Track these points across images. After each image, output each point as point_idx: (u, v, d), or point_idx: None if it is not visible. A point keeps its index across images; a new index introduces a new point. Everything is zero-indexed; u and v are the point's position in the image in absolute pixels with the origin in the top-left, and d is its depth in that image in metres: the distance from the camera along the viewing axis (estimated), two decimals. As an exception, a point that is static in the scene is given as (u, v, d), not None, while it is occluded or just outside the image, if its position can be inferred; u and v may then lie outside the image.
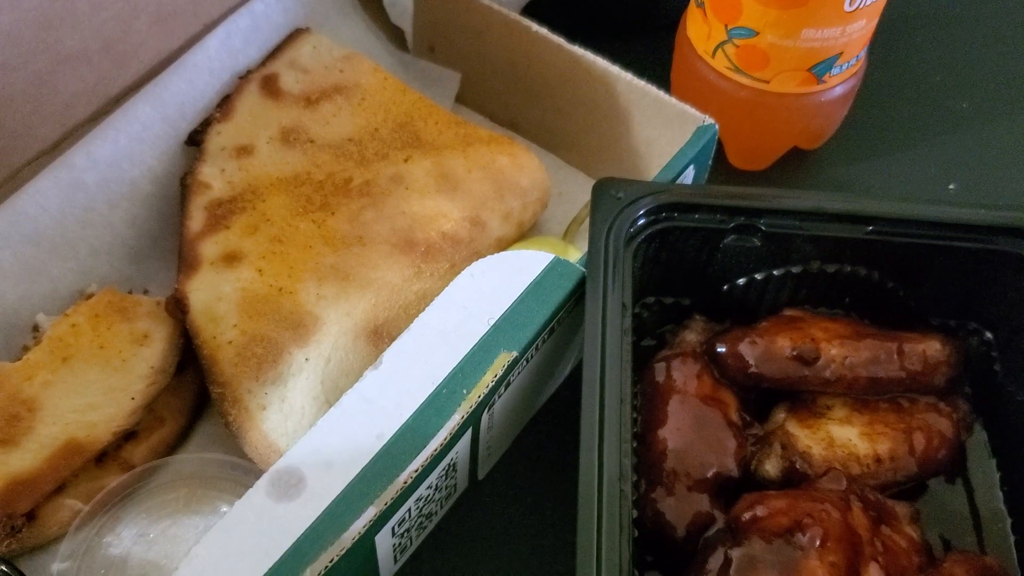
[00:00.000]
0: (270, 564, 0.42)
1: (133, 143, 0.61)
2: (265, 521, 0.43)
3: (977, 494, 0.56)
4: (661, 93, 0.62)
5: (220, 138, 0.62)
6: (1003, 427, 0.57)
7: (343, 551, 0.43)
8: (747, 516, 0.48)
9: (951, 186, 0.73)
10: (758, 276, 0.57)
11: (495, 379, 0.49)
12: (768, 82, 0.65)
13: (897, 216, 0.55)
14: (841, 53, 0.63)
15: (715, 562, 0.48)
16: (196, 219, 0.59)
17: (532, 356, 0.52)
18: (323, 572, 0.43)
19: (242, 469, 0.55)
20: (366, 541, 0.45)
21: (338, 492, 0.44)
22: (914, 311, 0.58)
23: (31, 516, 0.53)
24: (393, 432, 0.46)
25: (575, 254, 0.62)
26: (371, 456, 0.45)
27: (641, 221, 0.54)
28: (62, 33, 0.56)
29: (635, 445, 0.53)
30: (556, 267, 0.52)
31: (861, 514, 0.49)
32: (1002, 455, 0.57)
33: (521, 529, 0.56)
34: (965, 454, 0.57)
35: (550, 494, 0.57)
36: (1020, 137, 0.76)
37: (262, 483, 0.44)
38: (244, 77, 0.65)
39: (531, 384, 0.55)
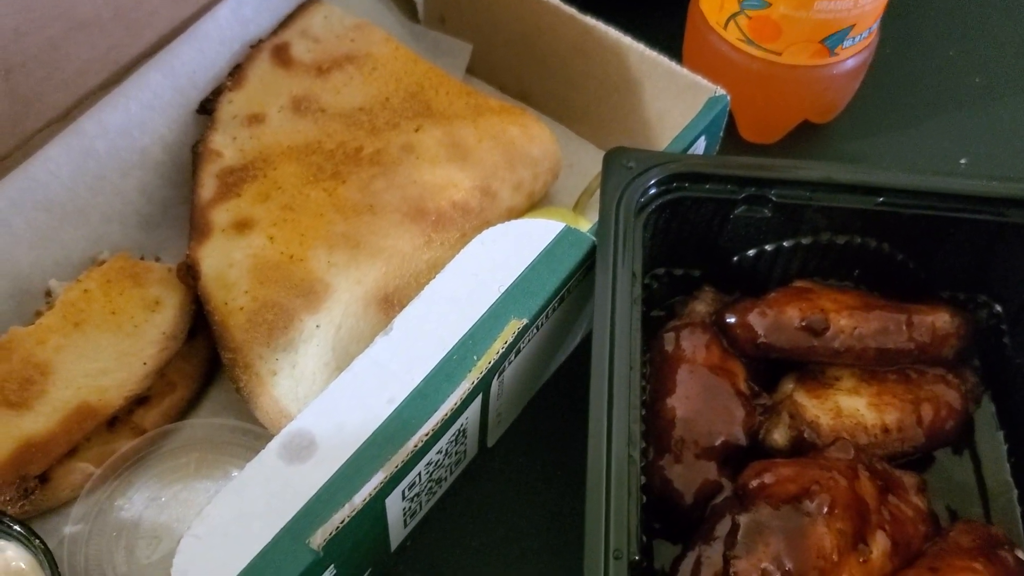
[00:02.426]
0: (281, 524, 0.43)
1: (144, 111, 0.61)
2: (277, 482, 0.44)
3: (984, 466, 0.56)
4: (673, 64, 0.61)
5: (231, 107, 0.62)
6: (1011, 399, 0.57)
7: (353, 513, 0.43)
8: (755, 483, 0.48)
9: (962, 161, 0.72)
10: (768, 247, 0.58)
11: (505, 346, 0.49)
12: (780, 54, 0.64)
13: (908, 187, 0.55)
14: (854, 25, 0.63)
15: (722, 528, 0.48)
16: (207, 187, 0.59)
17: (542, 324, 0.52)
18: (334, 533, 0.43)
19: (253, 434, 0.55)
20: (376, 504, 0.45)
21: (349, 454, 0.44)
22: (924, 284, 0.58)
23: (44, 479, 0.53)
24: (404, 396, 0.46)
25: (585, 225, 0.61)
26: (382, 420, 0.46)
27: (652, 191, 0.54)
28: (75, -1, 0.56)
29: (643, 413, 0.53)
30: (567, 236, 0.52)
31: (868, 483, 0.49)
32: (1010, 427, 0.57)
33: (530, 496, 0.56)
34: (973, 426, 0.57)
35: (559, 462, 0.57)
36: (1032, 113, 0.76)
37: (274, 445, 0.45)
38: (255, 46, 0.65)
39: (541, 352, 0.55)
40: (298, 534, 0.43)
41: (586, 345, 0.60)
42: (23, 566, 0.48)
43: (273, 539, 0.42)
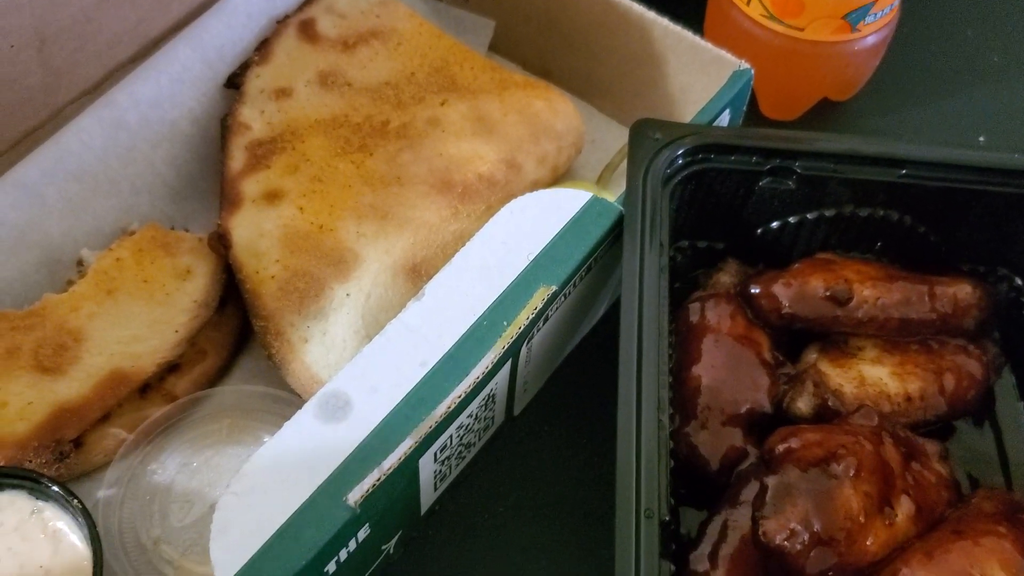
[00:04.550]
0: (318, 483, 0.43)
1: (174, 84, 0.62)
2: (313, 441, 0.45)
3: (1005, 435, 0.57)
4: (697, 38, 0.62)
5: (259, 80, 0.63)
6: (1032, 371, 0.58)
7: (389, 472, 0.44)
8: (781, 448, 0.49)
9: (981, 138, 0.73)
10: (792, 220, 0.58)
11: (534, 312, 0.49)
12: (802, 30, 0.65)
13: (930, 160, 0.55)
14: (876, 1, 0.63)
15: (749, 493, 0.49)
16: (237, 159, 0.60)
17: (570, 292, 0.53)
18: (370, 491, 0.44)
19: (283, 401, 0.56)
20: (410, 464, 0.46)
21: (384, 415, 0.45)
22: (944, 257, 0.59)
23: (78, 444, 0.54)
24: (436, 360, 0.47)
25: (610, 199, 0.62)
26: (416, 382, 0.46)
27: (679, 162, 0.55)
28: (107, -29, 0.57)
29: (670, 381, 0.53)
30: (594, 205, 0.53)
31: (893, 449, 0.50)
32: (1030, 398, 0.57)
33: (556, 463, 0.57)
34: (993, 396, 0.58)
35: (583, 431, 0.58)
36: (1050, 92, 0.76)
37: (310, 405, 0.45)
38: (282, 21, 0.66)
39: (567, 320, 0.56)
40: (335, 492, 0.43)
41: (607, 321, 0.61)
42: (61, 526, 0.49)
43: (311, 496, 0.43)
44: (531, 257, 0.51)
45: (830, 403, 0.53)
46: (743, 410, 0.53)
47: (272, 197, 0.58)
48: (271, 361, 0.55)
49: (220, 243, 0.57)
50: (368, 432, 0.45)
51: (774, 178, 0.56)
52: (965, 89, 0.76)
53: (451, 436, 0.49)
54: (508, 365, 0.51)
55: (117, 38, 0.60)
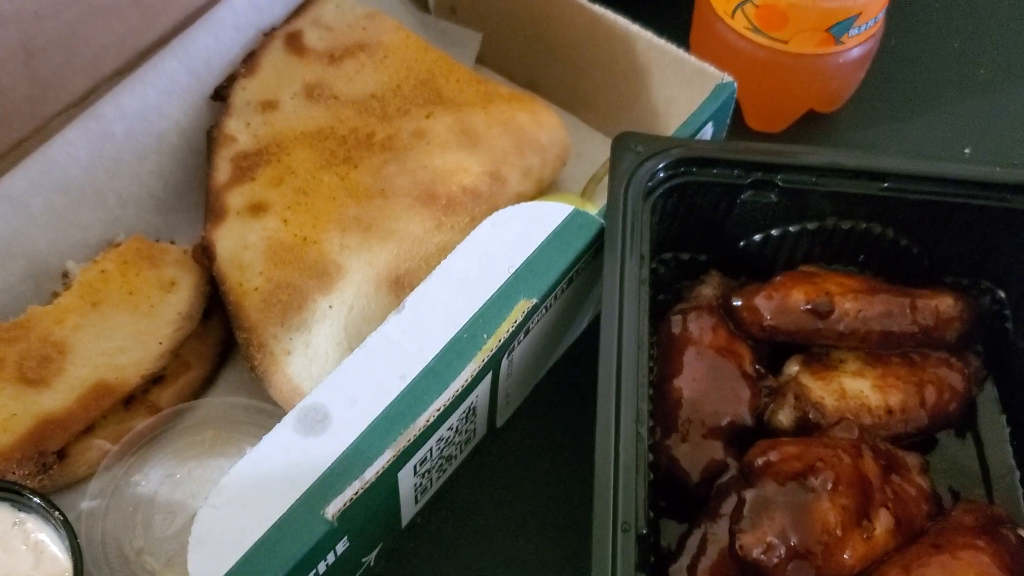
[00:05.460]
0: (297, 495, 0.44)
1: (161, 96, 0.62)
2: (292, 454, 0.45)
3: (987, 448, 0.57)
4: (680, 52, 0.62)
5: (245, 93, 0.63)
6: (1014, 383, 0.58)
7: (367, 485, 0.44)
8: (760, 461, 0.49)
9: (966, 150, 0.73)
10: (774, 232, 0.58)
11: (515, 325, 0.50)
12: (787, 42, 0.65)
13: (913, 173, 0.55)
14: (860, 14, 0.64)
15: (728, 506, 0.49)
16: (222, 171, 0.60)
17: (551, 305, 0.53)
18: (348, 504, 0.44)
19: (266, 413, 0.56)
20: (389, 477, 0.46)
21: (363, 428, 0.45)
22: (927, 269, 0.59)
23: (61, 455, 0.54)
24: (416, 373, 0.47)
25: (593, 211, 0.63)
26: (395, 395, 0.47)
27: (660, 175, 0.55)
28: (93, -16, 0.57)
29: (651, 394, 0.54)
30: (576, 218, 0.53)
31: (872, 462, 0.50)
32: (1012, 411, 0.57)
33: (538, 476, 0.57)
34: (975, 409, 0.58)
35: (566, 444, 0.58)
36: (1036, 105, 0.76)
37: (289, 418, 0.46)
38: (269, 34, 0.66)
39: (549, 334, 0.56)
40: (313, 505, 0.44)
41: (591, 333, 0.62)
42: (43, 538, 0.49)
43: (289, 509, 0.43)
44: (512, 270, 0.51)
45: (811, 416, 0.53)
46: (724, 423, 0.53)
47: (256, 209, 0.58)
48: (254, 373, 0.55)
49: (204, 255, 0.57)
50: (347, 445, 0.45)
51: (756, 191, 0.56)
52: (951, 101, 0.76)
53: (431, 449, 0.49)
54: (489, 378, 0.51)
55: (104, 51, 0.60)
